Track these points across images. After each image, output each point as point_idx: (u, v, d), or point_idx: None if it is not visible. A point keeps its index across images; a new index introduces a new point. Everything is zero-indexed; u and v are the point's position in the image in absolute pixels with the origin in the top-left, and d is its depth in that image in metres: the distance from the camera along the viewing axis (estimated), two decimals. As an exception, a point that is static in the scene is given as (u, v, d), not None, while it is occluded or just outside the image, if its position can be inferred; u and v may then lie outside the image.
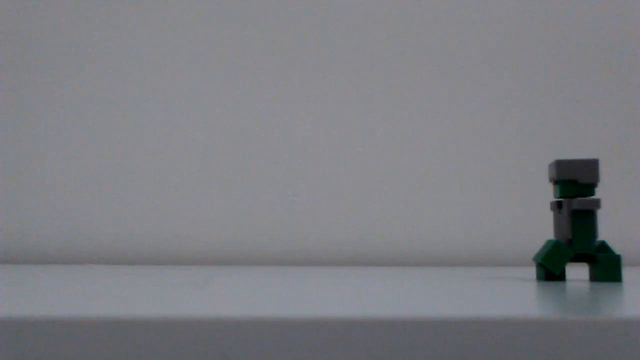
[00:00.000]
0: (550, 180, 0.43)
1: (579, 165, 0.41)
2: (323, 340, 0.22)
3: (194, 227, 0.76)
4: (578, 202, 0.41)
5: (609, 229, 0.78)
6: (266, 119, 0.78)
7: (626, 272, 0.56)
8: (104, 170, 0.76)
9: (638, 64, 0.80)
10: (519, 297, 0.31)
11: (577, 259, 0.42)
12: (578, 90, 0.80)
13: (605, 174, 0.79)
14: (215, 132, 0.77)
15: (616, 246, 0.78)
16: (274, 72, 0.78)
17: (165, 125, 0.77)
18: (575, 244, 0.42)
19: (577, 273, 0.55)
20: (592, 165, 0.41)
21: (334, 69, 0.79)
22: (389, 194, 0.77)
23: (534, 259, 0.43)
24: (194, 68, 0.78)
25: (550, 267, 0.42)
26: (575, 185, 0.41)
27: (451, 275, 0.50)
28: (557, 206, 0.43)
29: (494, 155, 0.78)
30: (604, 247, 0.42)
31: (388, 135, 0.78)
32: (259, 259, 0.76)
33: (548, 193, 0.78)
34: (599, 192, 0.79)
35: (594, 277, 0.41)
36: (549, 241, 0.43)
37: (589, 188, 0.41)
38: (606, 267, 0.41)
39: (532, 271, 0.57)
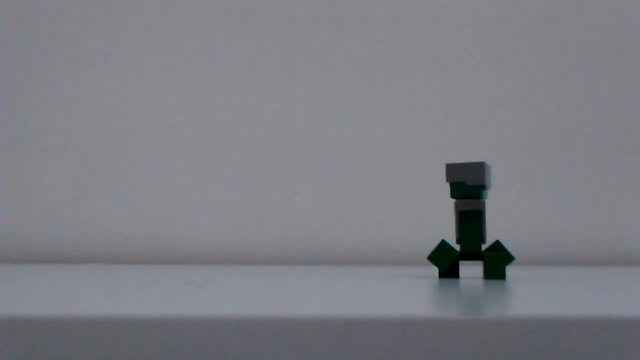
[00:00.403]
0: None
1: (466, 168, 0.44)
2: (323, 340, 0.22)
3: (193, 226, 0.76)
4: (462, 204, 0.44)
5: (610, 228, 0.78)
6: (265, 119, 0.78)
7: (624, 272, 0.56)
8: (103, 170, 0.76)
9: (638, 63, 0.80)
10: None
11: (468, 257, 0.44)
12: (578, 91, 0.80)
13: (605, 173, 0.79)
14: (215, 131, 0.77)
15: (616, 246, 0.78)
16: (274, 71, 0.78)
17: (165, 125, 0.77)
18: (463, 243, 0.44)
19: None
20: (478, 168, 0.43)
21: (334, 69, 0.79)
22: (389, 193, 0.78)
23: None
24: (193, 67, 0.78)
25: (436, 264, 0.45)
26: (463, 187, 0.44)
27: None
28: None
29: (494, 154, 0.78)
30: (497, 246, 0.44)
31: (388, 135, 0.78)
32: (258, 259, 0.76)
33: (549, 193, 0.78)
34: (597, 191, 0.79)
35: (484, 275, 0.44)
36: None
37: (476, 190, 0.44)
38: (490, 265, 0.43)
39: (531, 270, 0.57)
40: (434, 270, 0.56)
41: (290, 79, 0.78)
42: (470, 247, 0.44)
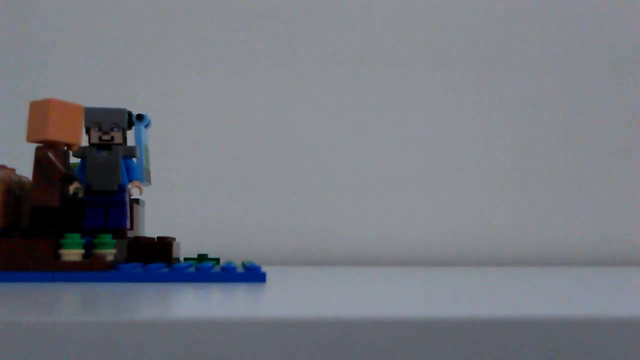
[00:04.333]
0: None
1: None
2: (322, 340, 0.22)
3: (195, 226, 0.76)
4: None
5: (610, 227, 0.77)
6: (264, 119, 0.78)
7: (619, 272, 0.54)
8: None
9: (638, 64, 0.79)
10: (519, 296, 0.30)
11: None
12: (579, 91, 0.79)
13: (605, 173, 0.78)
14: (215, 131, 0.78)
15: (615, 245, 0.78)
16: (273, 71, 0.78)
17: (165, 124, 0.78)
18: None
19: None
20: None
21: (334, 69, 0.78)
22: (387, 193, 0.77)
23: None
24: (194, 67, 0.78)
25: None
26: None
27: (450, 275, 0.50)
28: None
29: (494, 154, 0.78)
30: None
31: (386, 135, 0.78)
32: (259, 260, 0.76)
33: (549, 191, 0.78)
34: (596, 191, 0.77)
35: None
36: None
37: None
38: None
39: (530, 271, 0.56)
40: (428, 271, 0.56)
41: (289, 78, 0.78)
42: None
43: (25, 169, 0.74)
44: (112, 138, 0.44)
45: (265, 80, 0.79)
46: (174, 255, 0.48)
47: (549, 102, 0.79)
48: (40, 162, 0.38)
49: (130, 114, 0.49)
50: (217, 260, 0.54)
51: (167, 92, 0.78)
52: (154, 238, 0.46)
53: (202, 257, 0.53)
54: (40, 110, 0.39)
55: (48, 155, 0.38)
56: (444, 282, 0.42)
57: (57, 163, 0.38)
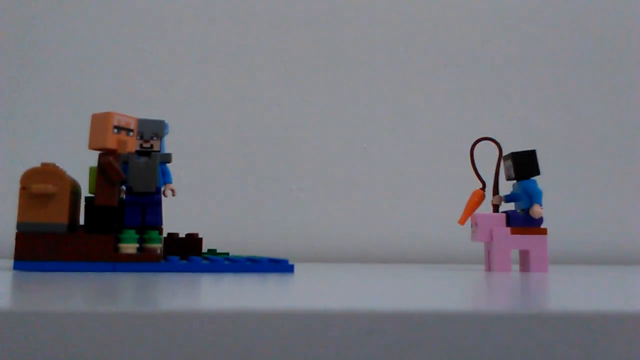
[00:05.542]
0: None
1: None
2: (328, 333, 0.23)
3: (199, 224, 0.80)
4: None
5: (610, 228, 0.81)
6: (271, 116, 0.81)
7: (621, 271, 0.62)
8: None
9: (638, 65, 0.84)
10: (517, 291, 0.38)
11: None
12: (579, 91, 0.83)
13: (605, 173, 0.82)
14: (220, 128, 0.80)
15: (615, 245, 0.82)
16: (279, 68, 0.81)
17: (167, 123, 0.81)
18: None
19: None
20: None
21: (339, 66, 0.82)
22: (394, 191, 0.81)
23: None
24: (197, 64, 0.81)
25: None
26: None
27: (452, 272, 0.56)
28: None
29: (494, 153, 0.81)
30: None
31: (394, 132, 0.82)
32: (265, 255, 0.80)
33: (549, 190, 0.83)
34: (598, 191, 0.83)
35: None
36: None
37: None
38: None
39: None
40: (432, 268, 0.62)
41: (296, 75, 0.81)
42: None
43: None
44: (152, 146, 0.49)
45: (271, 75, 0.81)
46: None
47: (549, 102, 0.82)
48: (104, 167, 0.43)
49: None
50: (227, 254, 0.60)
51: (174, 91, 0.81)
52: (179, 235, 0.52)
53: (212, 252, 0.59)
54: (100, 122, 0.44)
55: (111, 161, 0.43)
56: (456, 278, 0.44)
57: (119, 168, 0.44)
